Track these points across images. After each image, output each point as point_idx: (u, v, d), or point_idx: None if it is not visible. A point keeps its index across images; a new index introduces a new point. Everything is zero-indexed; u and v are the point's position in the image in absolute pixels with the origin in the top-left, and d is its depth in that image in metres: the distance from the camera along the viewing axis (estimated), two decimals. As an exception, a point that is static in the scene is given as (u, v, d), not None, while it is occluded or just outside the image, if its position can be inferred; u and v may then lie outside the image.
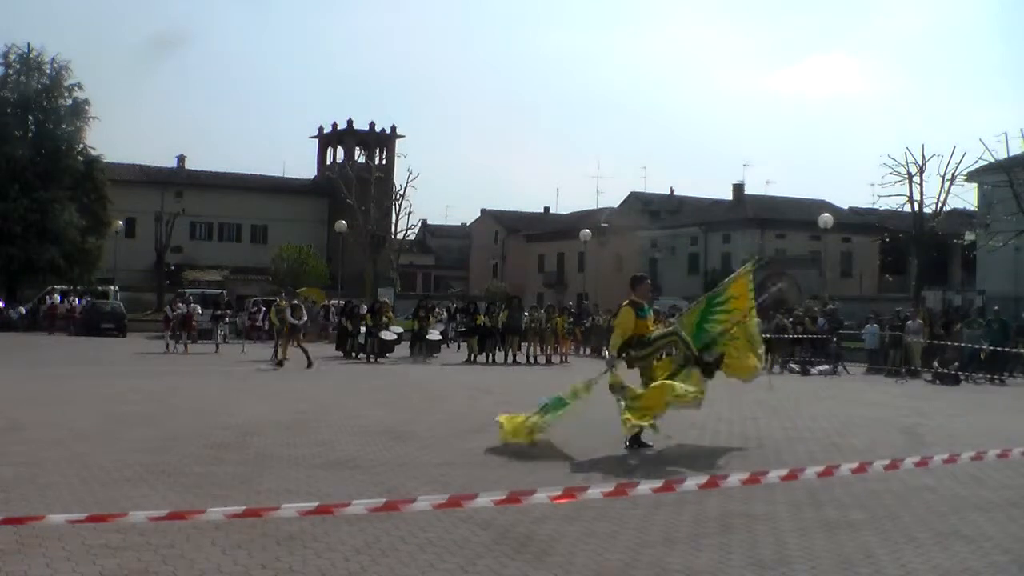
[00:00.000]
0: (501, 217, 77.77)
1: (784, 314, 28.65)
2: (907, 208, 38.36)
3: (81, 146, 46.44)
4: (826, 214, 37.84)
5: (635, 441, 10.08)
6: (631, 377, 10.62)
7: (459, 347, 31.06)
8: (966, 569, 5.76)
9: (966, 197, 47.05)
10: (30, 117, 45.44)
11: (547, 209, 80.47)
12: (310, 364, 21.98)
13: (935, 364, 24.18)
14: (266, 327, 31.47)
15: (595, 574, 5.47)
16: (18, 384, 16.46)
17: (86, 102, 46.21)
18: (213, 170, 68.46)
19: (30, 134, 45.32)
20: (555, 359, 27.86)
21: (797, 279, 42.70)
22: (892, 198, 38.79)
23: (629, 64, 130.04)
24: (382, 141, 69.74)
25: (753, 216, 57.38)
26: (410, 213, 57.30)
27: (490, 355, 26.98)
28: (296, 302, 25.20)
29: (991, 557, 6.06)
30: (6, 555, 5.42)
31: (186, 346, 27.91)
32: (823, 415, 14.58)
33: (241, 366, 22.21)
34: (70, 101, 46.18)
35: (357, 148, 69.60)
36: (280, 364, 22.41)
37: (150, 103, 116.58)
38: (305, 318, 24.74)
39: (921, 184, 37.60)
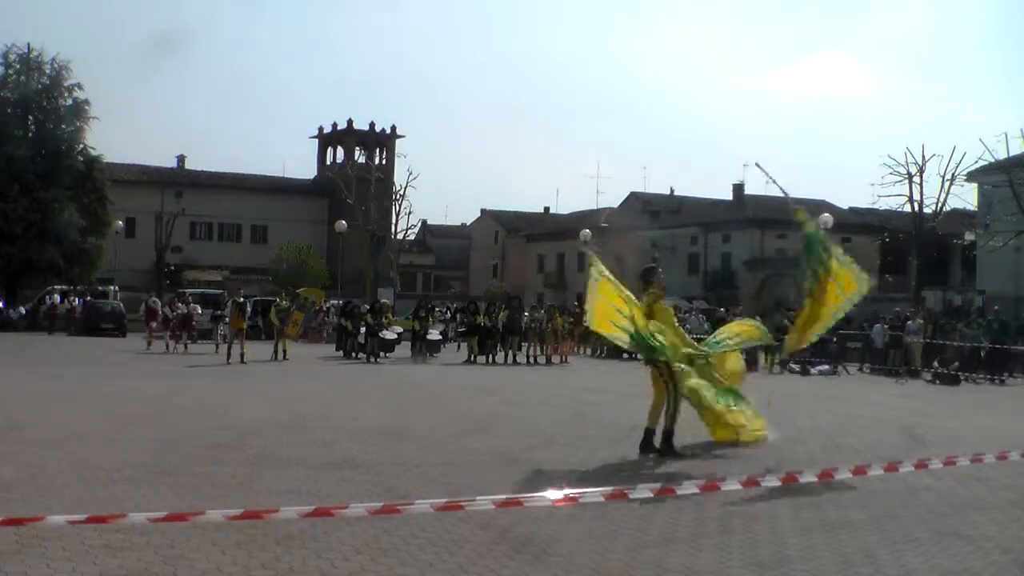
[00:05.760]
0: (501, 217, 77.76)
1: (784, 313, 28.61)
2: (907, 208, 38.39)
3: (81, 146, 46.36)
4: (826, 214, 37.72)
5: (667, 446, 9.60)
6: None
7: (459, 347, 31.06)
8: (966, 569, 5.76)
9: (966, 197, 47.12)
10: (30, 117, 45.37)
11: (547, 209, 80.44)
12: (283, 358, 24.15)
13: (935, 364, 24.19)
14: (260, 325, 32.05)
15: (595, 574, 5.46)
16: (18, 384, 16.45)
17: (86, 102, 46.16)
18: (213, 170, 68.42)
19: (30, 134, 45.23)
20: (555, 359, 27.85)
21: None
22: (892, 198, 38.89)
23: (629, 64, 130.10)
24: (382, 141, 69.69)
25: (753, 216, 57.35)
26: (410, 213, 57.39)
27: (490, 355, 26.99)
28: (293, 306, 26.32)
29: (991, 557, 6.06)
30: (6, 555, 5.42)
31: (186, 346, 27.93)
32: (823, 415, 14.59)
33: (241, 366, 22.20)
34: (70, 101, 46.10)
35: (357, 148, 69.52)
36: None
37: (150, 103, 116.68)
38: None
39: (921, 184, 37.65)
